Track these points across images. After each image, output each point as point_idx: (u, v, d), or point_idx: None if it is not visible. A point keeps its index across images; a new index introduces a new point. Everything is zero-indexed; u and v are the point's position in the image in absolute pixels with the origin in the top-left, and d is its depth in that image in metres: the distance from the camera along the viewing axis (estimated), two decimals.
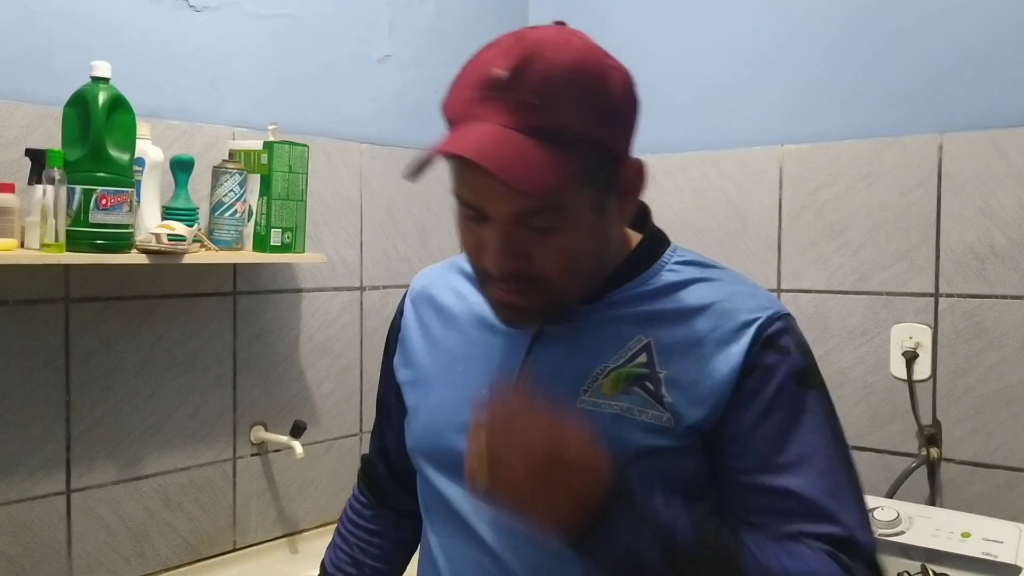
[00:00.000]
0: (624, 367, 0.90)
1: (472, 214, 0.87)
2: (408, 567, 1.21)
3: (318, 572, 1.21)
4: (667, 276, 0.95)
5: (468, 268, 1.03)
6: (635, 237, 0.99)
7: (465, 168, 0.83)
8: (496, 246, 0.85)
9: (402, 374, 1.08)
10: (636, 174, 0.91)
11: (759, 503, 0.87)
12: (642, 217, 1.00)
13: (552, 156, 0.80)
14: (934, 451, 1.85)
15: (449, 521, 0.98)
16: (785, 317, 0.92)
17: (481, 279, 0.92)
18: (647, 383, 0.89)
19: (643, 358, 0.90)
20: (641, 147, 2.39)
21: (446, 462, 0.97)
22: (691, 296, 0.92)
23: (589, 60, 0.84)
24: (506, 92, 0.80)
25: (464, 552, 0.95)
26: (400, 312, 1.12)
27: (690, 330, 0.90)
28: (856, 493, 0.88)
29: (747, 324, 0.89)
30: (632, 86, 0.88)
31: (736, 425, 0.87)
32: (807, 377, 0.90)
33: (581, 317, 0.93)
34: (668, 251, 0.98)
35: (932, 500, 1.86)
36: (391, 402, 1.13)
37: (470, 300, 1.03)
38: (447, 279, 1.08)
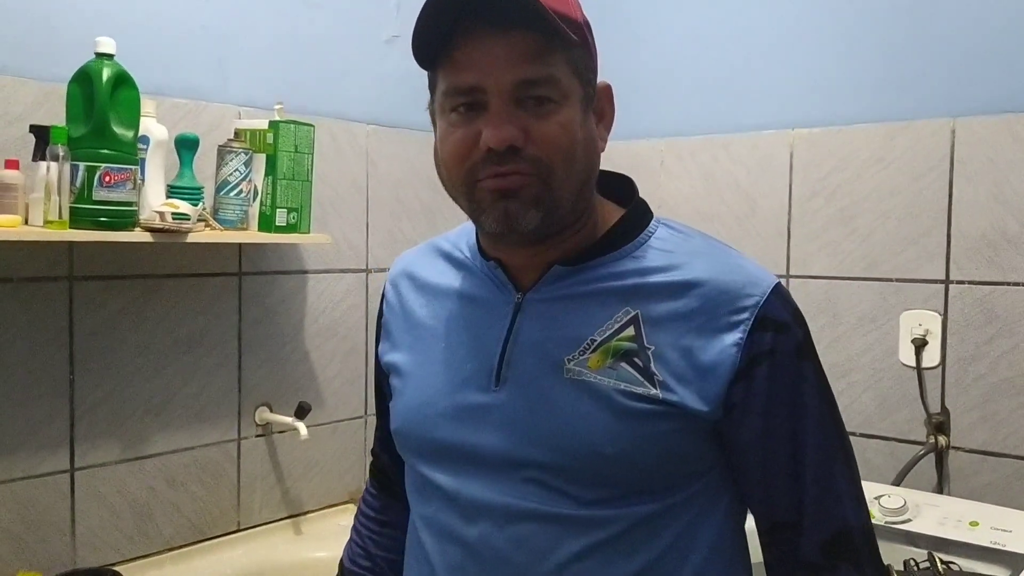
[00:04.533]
0: (611, 340, 0.89)
1: (464, 110, 0.87)
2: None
3: (337, 570, 1.20)
4: (653, 249, 0.93)
5: (446, 248, 1.04)
6: (618, 213, 0.97)
7: (468, 44, 0.85)
8: (496, 118, 0.85)
9: (387, 358, 1.06)
10: (605, 96, 0.94)
11: (772, 519, 0.91)
12: (628, 192, 0.99)
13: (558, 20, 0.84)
14: (942, 439, 1.83)
15: (433, 502, 0.97)
16: (776, 287, 0.91)
17: (469, 182, 0.89)
18: (636, 358, 0.88)
19: (631, 331, 0.89)
20: (651, 130, 2.39)
21: (428, 450, 0.97)
22: (678, 271, 0.91)
23: None
24: None
25: (450, 531, 0.94)
26: (382, 297, 1.10)
27: (678, 305, 0.89)
28: (845, 475, 0.90)
29: (741, 308, 0.88)
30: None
31: (746, 425, 0.88)
32: (805, 349, 0.90)
33: (565, 286, 0.93)
34: (652, 223, 0.96)
35: (940, 488, 1.84)
36: (384, 389, 1.11)
37: (450, 277, 1.01)
38: (426, 260, 1.06)
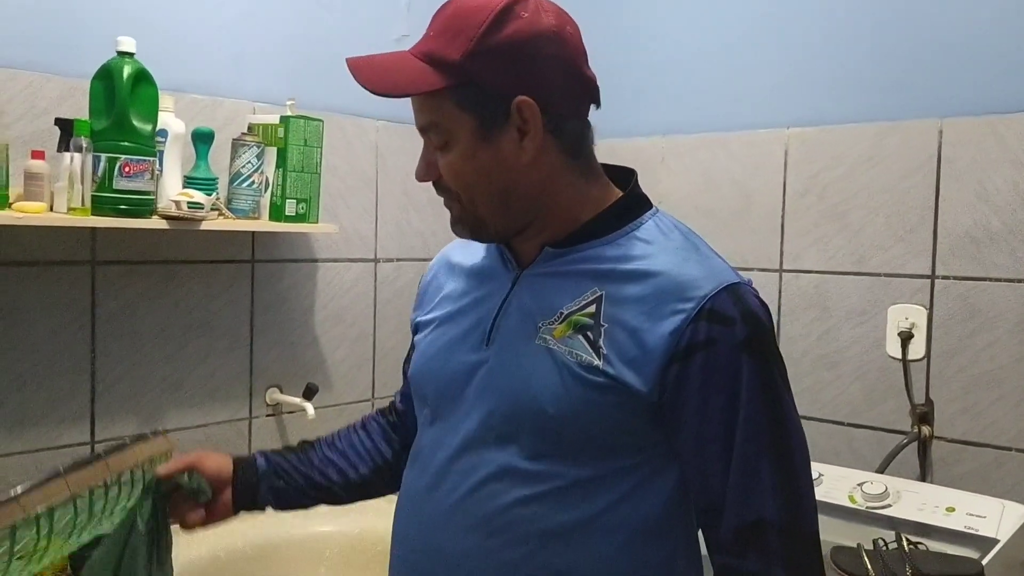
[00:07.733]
0: (576, 314, 0.98)
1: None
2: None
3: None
4: (636, 239, 1.01)
5: None
6: (616, 197, 1.05)
7: None
8: (420, 157, 1.04)
9: (417, 321, 1.20)
10: (524, 112, 0.96)
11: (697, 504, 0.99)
12: (629, 180, 1.07)
13: (423, 73, 0.97)
14: (926, 429, 1.89)
15: (419, 436, 1.14)
16: (732, 286, 0.95)
17: None
18: (589, 332, 0.97)
19: (592, 309, 0.98)
20: (654, 128, 2.45)
21: (428, 394, 1.12)
22: (646, 260, 0.98)
23: (487, 5, 0.95)
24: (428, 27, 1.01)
25: (422, 467, 1.09)
26: (424, 276, 1.26)
27: (636, 290, 0.97)
28: (774, 471, 0.93)
29: (688, 299, 0.94)
30: (534, 36, 0.96)
31: (681, 407, 0.95)
32: (751, 347, 0.94)
33: (555, 265, 1.03)
34: (647, 215, 1.04)
35: (923, 476, 1.90)
36: (411, 352, 1.26)
37: (474, 257, 1.15)
38: (461, 244, 1.19)
